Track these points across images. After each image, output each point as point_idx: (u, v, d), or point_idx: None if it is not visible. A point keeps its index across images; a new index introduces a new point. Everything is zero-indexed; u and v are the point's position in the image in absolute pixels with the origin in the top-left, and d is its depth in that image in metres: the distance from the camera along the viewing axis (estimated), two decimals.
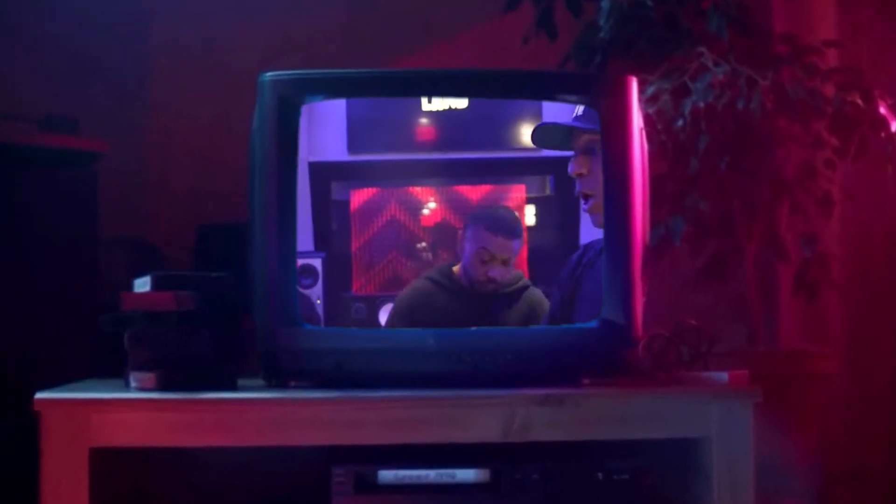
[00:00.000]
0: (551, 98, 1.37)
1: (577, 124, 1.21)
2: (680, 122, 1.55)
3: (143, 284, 1.13)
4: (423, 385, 1.09)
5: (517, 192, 3.71)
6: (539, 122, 1.35)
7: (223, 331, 1.12)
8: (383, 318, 2.46)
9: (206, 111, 2.15)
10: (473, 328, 1.23)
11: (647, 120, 1.38)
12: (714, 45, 1.70)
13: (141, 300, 1.11)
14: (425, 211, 3.65)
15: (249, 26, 2.21)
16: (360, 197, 3.58)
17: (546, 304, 1.46)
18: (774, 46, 1.79)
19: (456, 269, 1.54)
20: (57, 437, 0.99)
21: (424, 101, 3.46)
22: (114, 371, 1.22)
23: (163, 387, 1.06)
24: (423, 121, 3.46)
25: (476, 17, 2.20)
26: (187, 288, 1.10)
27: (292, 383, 1.13)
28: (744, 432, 1.06)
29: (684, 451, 1.12)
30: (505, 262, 1.45)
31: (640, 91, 1.35)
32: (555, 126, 1.28)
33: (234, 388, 1.11)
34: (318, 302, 3.17)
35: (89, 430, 0.99)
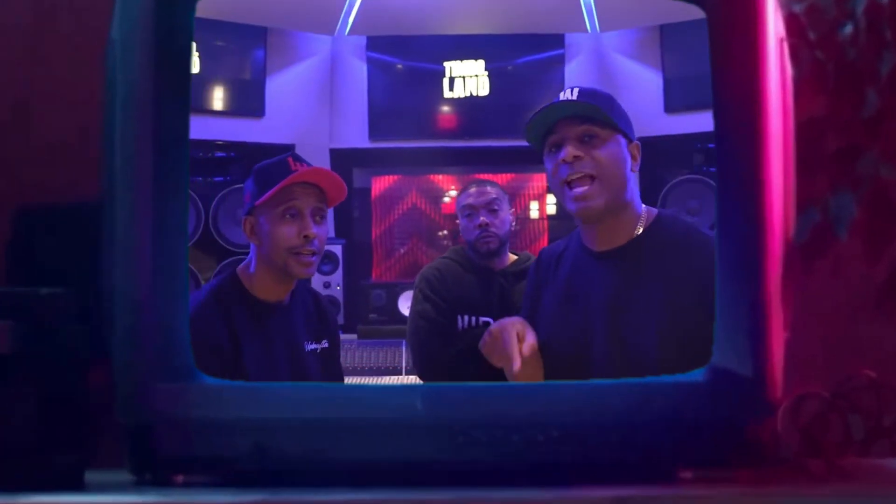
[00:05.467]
0: None
1: (584, 99, 1.14)
2: (849, 28, 1.18)
3: None
4: (404, 482, 0.76)
5: (538, 180, 3.80)
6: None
7: (60, 388, 0.77)
8: (402, 304, 2.84)
9: (27, 8, 1.59)
10: (490, 383, 0.91)
11: (793, 24, 1.03)
12: None
13: None
14: (446, 199, 3.67)
15: None
16: (380, 184, 3.71)
17: None
18: None
19: (468, 250, 1.82)
20: None
21: (446, 88, 3.50)
22: None
23: None
24: (445, 108, 3.56)
25: None
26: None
27: (180, 479, 0.80)
28: None
29: None
30: (490, 210, 1.74)
31: None
32: (554, 108, 1.15)
33: (79, 486, 0.78)
34: (339, 288, 3.25)
35: None
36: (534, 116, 1.16)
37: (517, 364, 1.07)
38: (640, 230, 1.16)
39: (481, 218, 1.72)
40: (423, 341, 1.69)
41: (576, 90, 1.17)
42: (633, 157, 1.17)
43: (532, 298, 1.28)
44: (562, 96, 1.17)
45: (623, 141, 1.16)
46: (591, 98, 1.15)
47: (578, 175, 1.12)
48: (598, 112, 1.12)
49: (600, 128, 1.13)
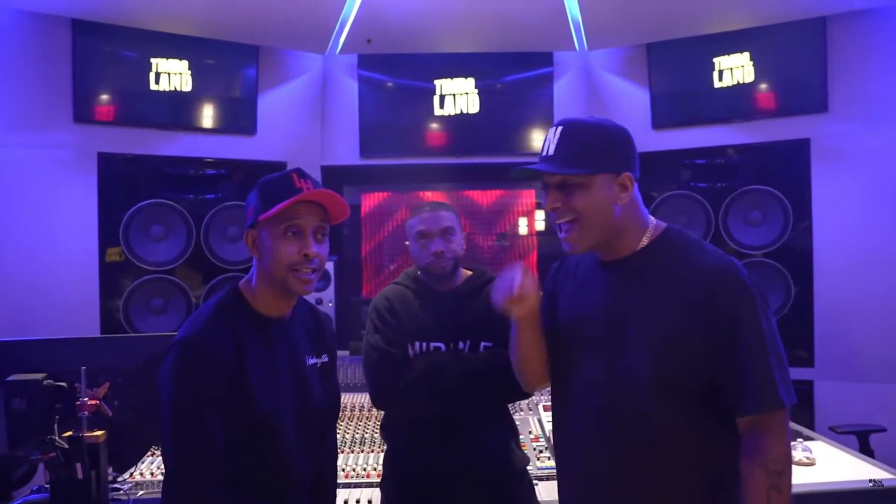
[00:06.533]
0: None
1: (548, 168, 1.18)
2: None
3: None
4: None
5: (527, 196, 3.83)
6: (518, 165, 1.21)
7: None
8: None
9: None
10: None
11: None
12: None
13: None
14: None
15: None
16: (370, 201, 3.70)
17: None
18: None
19: (419, 273, 1.74)
20: None
21: (436, 105, 3.51)
22: None
23: None
24: (435, 126, 3.56)
25: None
26: None
27: None
28: None
29: None
30: (443, 236, 1.67)
31: None
32: (527, 170, 1.21)
33: None
34: (331, 305, 3.27)
35: None
36: (513, 173, 1.21)
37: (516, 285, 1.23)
38: (644, 243, 1.20)
39: (435, 246, 1.66)
40: (375, 371, 1.64)
41: (554, 142, 1.19)
42: (621, 190, 1.18)
43: (549, 295, 1.33)
44: (545, 143, 1.20)
45: (606, 178, 1.17)
46: (565, 154, 1.17)
47: (562, 220, 1.18)
48: (568, 174, 1.16)
49: (576, 175, 1.16)
